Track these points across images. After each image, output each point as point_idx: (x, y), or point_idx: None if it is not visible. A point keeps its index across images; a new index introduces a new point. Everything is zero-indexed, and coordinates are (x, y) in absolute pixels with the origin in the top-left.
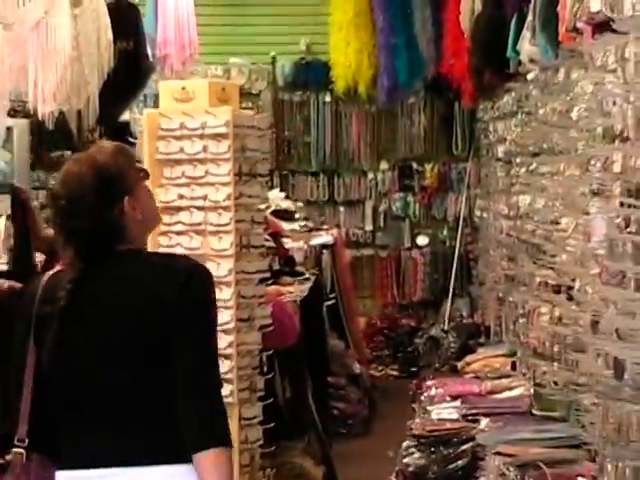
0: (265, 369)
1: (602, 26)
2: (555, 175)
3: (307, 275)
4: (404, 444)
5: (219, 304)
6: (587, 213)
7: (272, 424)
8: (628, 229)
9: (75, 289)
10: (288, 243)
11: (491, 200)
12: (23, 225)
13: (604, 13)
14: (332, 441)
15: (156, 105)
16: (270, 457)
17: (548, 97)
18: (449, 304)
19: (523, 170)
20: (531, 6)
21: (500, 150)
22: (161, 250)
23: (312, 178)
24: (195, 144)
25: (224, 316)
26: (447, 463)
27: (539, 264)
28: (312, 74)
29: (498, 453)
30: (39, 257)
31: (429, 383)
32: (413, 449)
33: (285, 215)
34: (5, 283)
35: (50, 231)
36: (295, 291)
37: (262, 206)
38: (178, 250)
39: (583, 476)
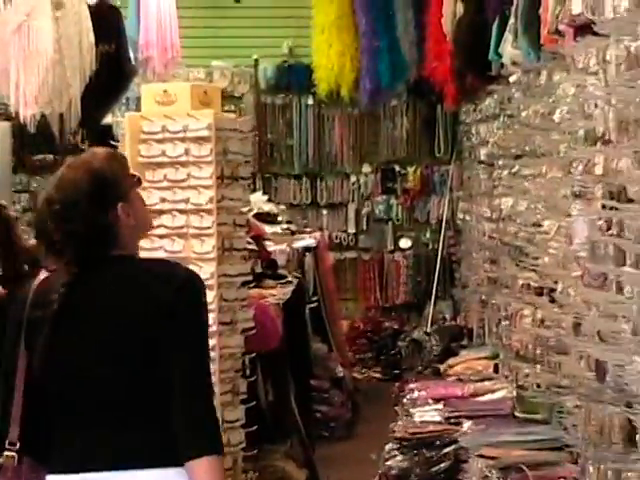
0: (248, 372)
1: (584, 28)
2: (537, 177)
3: (290, 278)
4: (387, 447)
5: None
6: (569, 215)
7: (255, 427)
8: (610, 231)
9: (68, 292)
10: (271, 246)
11: (474, 203)
12: (8, 242)
13: (585, 16)
14: (315, 444)
15: (138, 108)
16: (252, 460)
17: (530, 99)
18: (432, 307)
19: (505, 173)
20: (513, 9)
21: (482, 153)
22: (143, 254)
23: (295, 181)
24: (177, 147)
25: None
26: (430, 466)
27: (521, 266)
28: (294, 77)
29: (481, 456)
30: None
31: (412, 386)
32: (396, 452)
33: (268, 218)
34: None
35: (31, 242)
36: (277, 294)
37: (244, 209)
38: (160, 253)
39: (565, 478)
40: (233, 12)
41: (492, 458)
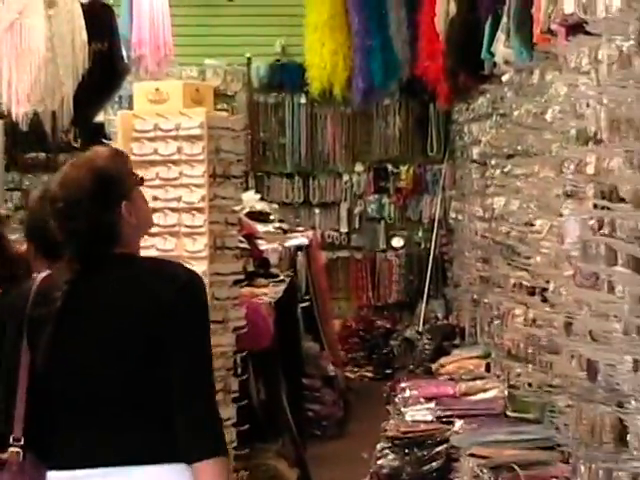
0: (239, 371)
1: (576, 28)
2: (529, 177)
3: (282, 277)
4: (378, 446)
5: None
6: (561, 215)
7: (246, 426)
8: (601, 231)
9: (71, 290)
10: (263, 245)
11: (466, 202)
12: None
13: (577, 15)
14: (307, 443)
15: (131, 106)
16: (244, 459)
17: (523, 99)
18: (424, 306)
19: (498, 172)
20: (505, 8)
21: (475, 152)
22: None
23: (287, 180)
24: (169, 145)
25: None
26: (421, 465)
27: (513, 266)
28: (287, 76)
29: (472, 455)
30: None
31: (403, 385)
32: (387, 451)
33: (260, 217)
34: None
35: (22, 247)
36: (269, 293)
37: (236, 208)
38: (152, 252)
39: (556, 477)
40: (226, 11)
41: (483, 457)
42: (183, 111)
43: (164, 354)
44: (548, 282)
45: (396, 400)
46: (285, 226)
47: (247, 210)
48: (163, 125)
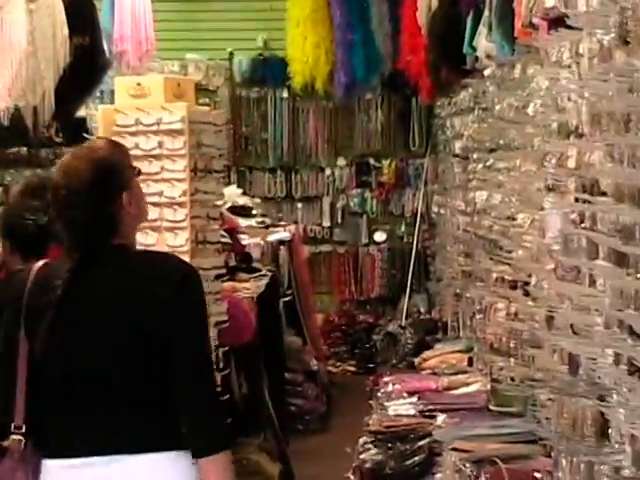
0: (221, 365)
1: (557, 22)
2: (511, 171)
3: (264, 271)
4: (361, 440)
5: None
6: (543, 209)
7: (228, 420)
8: (582, 224)
9: (72, 279)
10: (245, 239)
11: (448, 196)
12: None
13: (559, 9)
14: (289, 437)
15: (113, 101)
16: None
17: (504, 93)
18: (406, 300)
19: (480, 166)
20: (487, 2)
21: (457, 146)
22: None
23: (269, 174)
24: (150, 140)
25: None
26: (404, 459)
27: (496, 260)
28: (269, 70)
29: (454, 449)
30: None
31: (386, 379)
32: (370, 445)
33: (242, 211)
34: None
35: None
36: (251, 287)
37: (218, 202)
38: None
39: (538, 471)
40: (208, 5)
41: (466, 451)
42: (164, 106)
43: (162, 347)
44: (530, 276)
45: (379, 394)
46: (267, 220)
47: (229, 205)
48: (144, 120)
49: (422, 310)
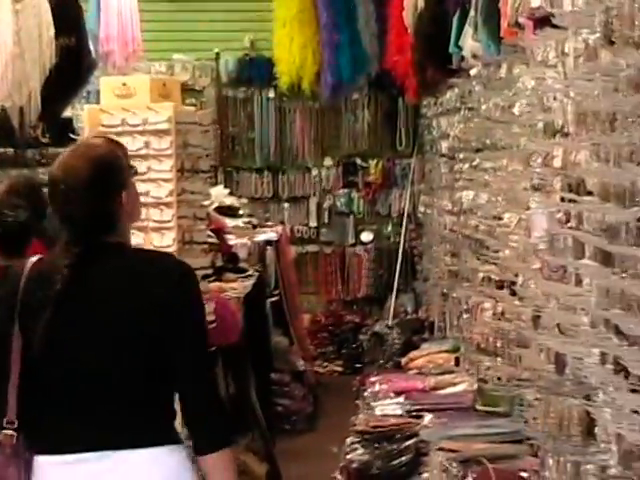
0: None
1: (543, 21)
2: (498, 171)
3: (250, 272)
4: (348, 440)
5: None
6: (529, 208)
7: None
8: (568, 224)
9: (71, 274)
10: (232, 240)
11: (435, 196)
12: None
13: (544, 8)
14: (276, 438)
15: (99, 101)
16: None
17: (491, 92)
18: (393, 300)
19: (466, 166)
20: (473, 1)
21: (444, 146)
22: None
23: (256, 175)
24: (137, 140)
25: None
26: (391, 459)
27: (482, 259)
28: (256, 70)
29: (441, 449)
30: None
31: (373, 379)
32: (357, 445)
33: (229, 212)
34: None
35: None
36: (238, 288)
37: (204, 202)
38: None
39: (525, 471)
40: (194, 5)
41: (453, 451)
42: (150, 106)
43: (160, 346)
44: (517, 275)
45: (365, 394)
46: (254, 221)
47: (216, 205)
48: (130, 120)
49: (409, 310)
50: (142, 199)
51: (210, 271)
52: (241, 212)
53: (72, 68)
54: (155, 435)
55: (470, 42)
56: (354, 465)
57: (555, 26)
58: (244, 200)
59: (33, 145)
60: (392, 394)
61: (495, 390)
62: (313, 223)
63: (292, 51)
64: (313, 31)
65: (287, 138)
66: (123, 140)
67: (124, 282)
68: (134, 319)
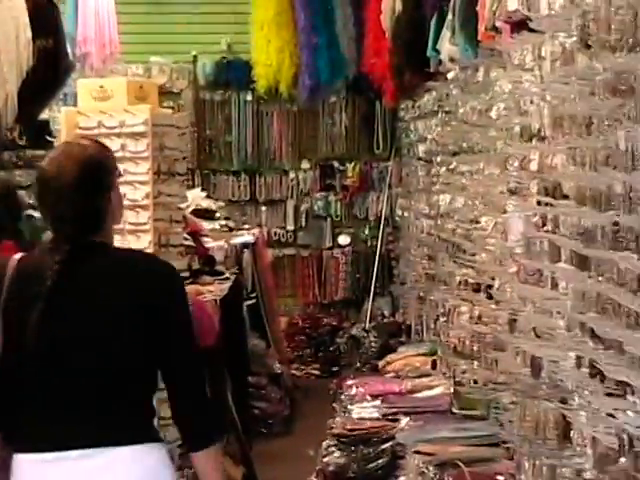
0: None
1: (520, 25)
2: (475, 174)
3: (227, 274)
4: (324, 443)
5: None
6: (506, 212)
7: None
8: (545, 227)
9: (61, 271)
10: (208, 242)
11: (412, 199)
12: None
13: (521, 12)
14: (253, 441)
15: (76, 104)
16: (188, 457)
17: (468, 96)
18: (370, 303)
19: (443, 169)
20: (451, 5)
21: (421, 149)
22: None
23: (233, 177)
24: (113, 143)
25: None
26: (367, 462)
27: (459, 263)
28: (233, 73)
29: (418, 452)
30: None
31: (350, 382)
32: (333, 448)
33: (206, 214)
34: None
35: None
36: (215, 290)
37: (181, 205)
38: None
39: (501, 474)
40: (172, 8)
41: (429, 454)
42: (127, 108)
43: (146, 346)
44: (493, 279)
45: (342, 397)
46: (231, 224)
47: (193, 207)
48: (107, 122)
49: (386, 313)
50: None
51: (187, 274)
52: (218, 215)
53: (49, 70)
54: (135, 433)
55: (448, 45)
56: (331, 468)
57: (532, 30)
58: (221, 203)
59: (10, 147)
60: (369, 397)
61: (471, 393)
62: (290, 226)
63: (270, 54)
64: (291, 34)
65: (264, 141)
66: None
67: (111, 281)
68: (120, 318)
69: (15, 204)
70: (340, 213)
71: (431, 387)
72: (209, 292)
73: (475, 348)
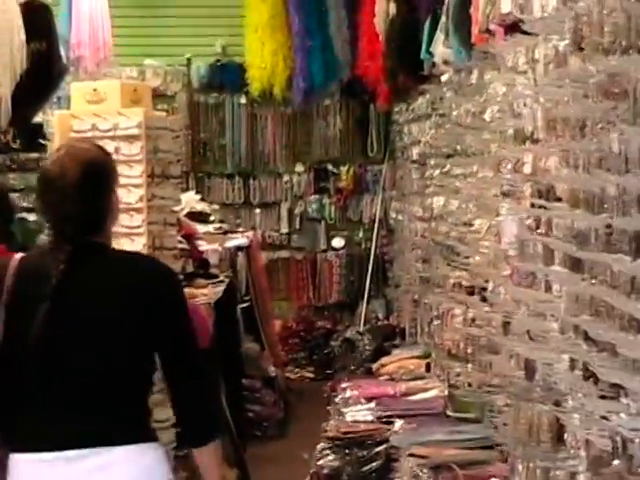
0: None
1: (513, 27)
2: (468, 177)
3: (221, 277)
4: (319, 446)
5: None
6: (499, 214)
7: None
8: (538, 230)
9: (66, 271)
10: (203, 245)
11: (406, 202)
12: None
13: (514, 15)
14: (247, 444)
15: (69, 107)
16: (183, 460)
17: (462, 99)
18: (364, 306)
19: (437, 172)
20: (444, 8)
21: (415, 152)
22: None
23: (228, 180)
24: (107, 146)
25: None
26: (361, 465)
27: (453, 266)
28: (227, 76)
29: (412, 455)
30: None
31: (344, 385)
32: (328, 451)
33: (200, 217)
34: None
35: None
36: (209, 293)
37: (175, 208)
38: None
39: (495, 477)
40: (166, 11)
41: (423, 457)
42: (121, 111)
43: (146, 347)
44: (487, 282)
45: (336, 400)
46: (225, 226)
47: (187, 210)
48: (101, 125)
49: (380, 316)
50: None
51: (181, 277)
52: (212, 218)
53: (43, 73)
54: (132, 433)
55: (441, 48)
56: (325, 471)
57: (525, 32)
58: (215, 206)
59: (3, 150)
60: (363, 400)
61: (465, 396)
62: (284, 229)
63: (264, 57)
64: (285, 37)
65: (258, 144)
66: None
67: (111, 282)
68: (121, 318)
69: (7, 207)
70: (334, 216)
71: (425, 390)
72: (203, 295)
73: (469, 351)
